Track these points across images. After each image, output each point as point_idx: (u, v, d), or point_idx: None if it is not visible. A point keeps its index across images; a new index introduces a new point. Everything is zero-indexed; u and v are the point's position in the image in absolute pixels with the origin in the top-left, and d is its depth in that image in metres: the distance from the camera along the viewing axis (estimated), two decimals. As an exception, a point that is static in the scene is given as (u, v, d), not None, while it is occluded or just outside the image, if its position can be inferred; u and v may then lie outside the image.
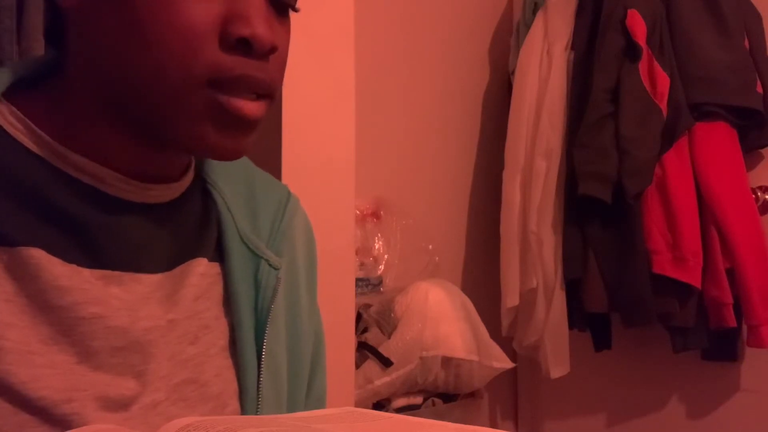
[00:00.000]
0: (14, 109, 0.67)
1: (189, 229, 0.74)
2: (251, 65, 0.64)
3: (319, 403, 0.87)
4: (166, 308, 0.69)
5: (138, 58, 0.63)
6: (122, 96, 0.65)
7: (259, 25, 0.64)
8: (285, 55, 0.70)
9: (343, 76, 1.45)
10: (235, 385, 0.74)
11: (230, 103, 0.64)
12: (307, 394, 0.84)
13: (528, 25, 2.29)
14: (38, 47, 1.14)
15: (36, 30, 1.13)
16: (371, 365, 1.78)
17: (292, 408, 0.81)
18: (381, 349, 1.79)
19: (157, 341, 0.68)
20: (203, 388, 0.71)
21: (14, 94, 0.68)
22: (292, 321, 0.81)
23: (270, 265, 0.78)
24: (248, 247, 0.77)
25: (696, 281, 1.99)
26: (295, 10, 0.70)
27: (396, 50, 2.24)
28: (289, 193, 0.85)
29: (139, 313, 0.67)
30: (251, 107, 0.65)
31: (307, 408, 0.83)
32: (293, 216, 0.83)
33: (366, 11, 1.85)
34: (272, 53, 0.66)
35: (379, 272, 1.96)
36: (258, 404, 0.74)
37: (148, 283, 0.69)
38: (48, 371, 0.61)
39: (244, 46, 0.64)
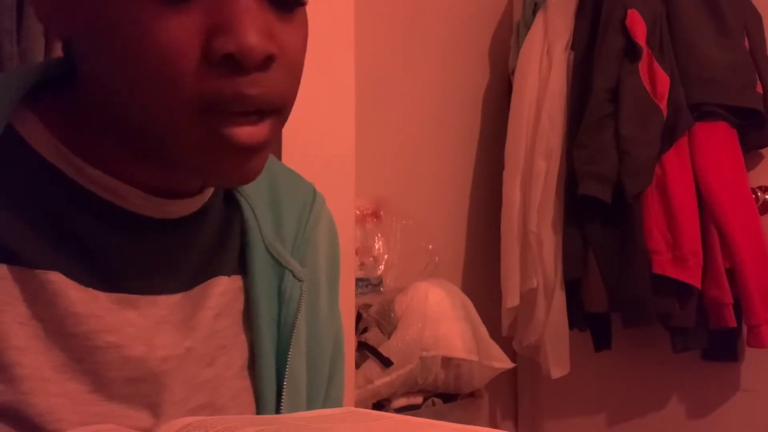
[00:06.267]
0: (35, 117, 0.63)
1: (209, 244, 0.70)
2: (242, 83, 0.56)
3: None
4: (183, 334, 0.66)
5: (128, 87, 0.58)
6: (124, 123, 0.61)
7: (246, 35, 0.55)
8: (295, 58, 0.61)
9: (343, 76, 1.45)
10: (252, 409, 0.71)
11: (224, 131, 0.57)
12: (323, 402, 0.81)
13: (528, 25, 2.29)
14: (38, 47, 1.14)
15: (36, 30, 1.13)
16: (371, 365, 1.78)
17: None
18: (381, 349, 1.79)
19: (172, 371, 0.65)
20: (219, 413, 0.68)
21: (33, 98, 0.64)
22: (312, 330, 0.77)
23: (294, 276, 0.73)
24: (273, 257, 0.73)
25: (696, 281, 1.99)
26: (302, 3, 0.61)
27: (396, 50, 2.24)
28: (314, 192, 0.80)
29: (155, 341, 0.64)
30: (249, 132, 0.58)
31: None
32: (318, 219, 0.79)
33: (366, 11, 1.85)
34: (269, 63, 0.58)
35: (379, 272, 1.96)
36: None
37: (165, 305, 0.66)
38: (62, 401, 0.59)
39: (232, 63, 0.56)
